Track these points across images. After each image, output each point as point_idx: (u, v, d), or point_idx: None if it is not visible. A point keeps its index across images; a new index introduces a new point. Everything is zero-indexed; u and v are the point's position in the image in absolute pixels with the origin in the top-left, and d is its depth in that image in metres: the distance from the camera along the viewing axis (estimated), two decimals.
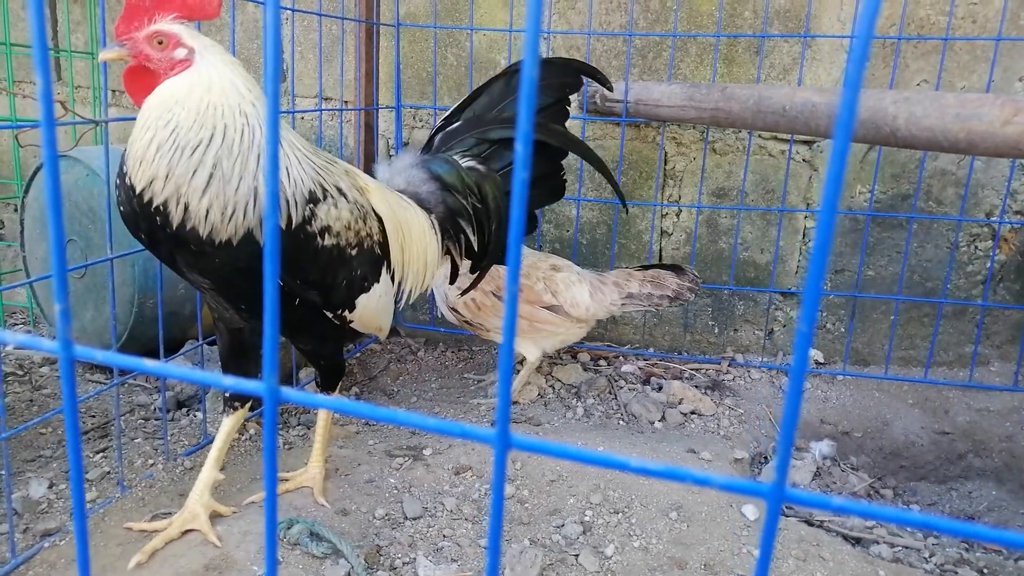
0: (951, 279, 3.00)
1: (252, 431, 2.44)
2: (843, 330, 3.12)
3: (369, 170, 2.19)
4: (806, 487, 2.49)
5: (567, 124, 3.11)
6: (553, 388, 2.90)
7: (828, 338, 3.16)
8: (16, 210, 3.16)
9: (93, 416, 2.51)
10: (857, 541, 2.17)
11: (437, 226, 2.12)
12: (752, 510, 2.08)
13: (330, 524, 1.89)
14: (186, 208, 1.53)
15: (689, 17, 2.95)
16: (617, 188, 2.45)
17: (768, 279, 3.11)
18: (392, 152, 3.28)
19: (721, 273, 3.14)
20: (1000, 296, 3.03)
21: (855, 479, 2.57)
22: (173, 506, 1.96)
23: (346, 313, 1.83)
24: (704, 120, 2.68)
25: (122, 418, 2.45)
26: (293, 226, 1.63)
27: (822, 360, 3.13)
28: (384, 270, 1.90)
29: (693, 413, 2.74)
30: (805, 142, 2.99)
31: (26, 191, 2.84)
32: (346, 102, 3.21)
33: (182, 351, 2.61)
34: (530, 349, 2.73)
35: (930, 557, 2.13)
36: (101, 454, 2.28)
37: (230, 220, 1.54)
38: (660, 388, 2.88)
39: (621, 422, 2.67)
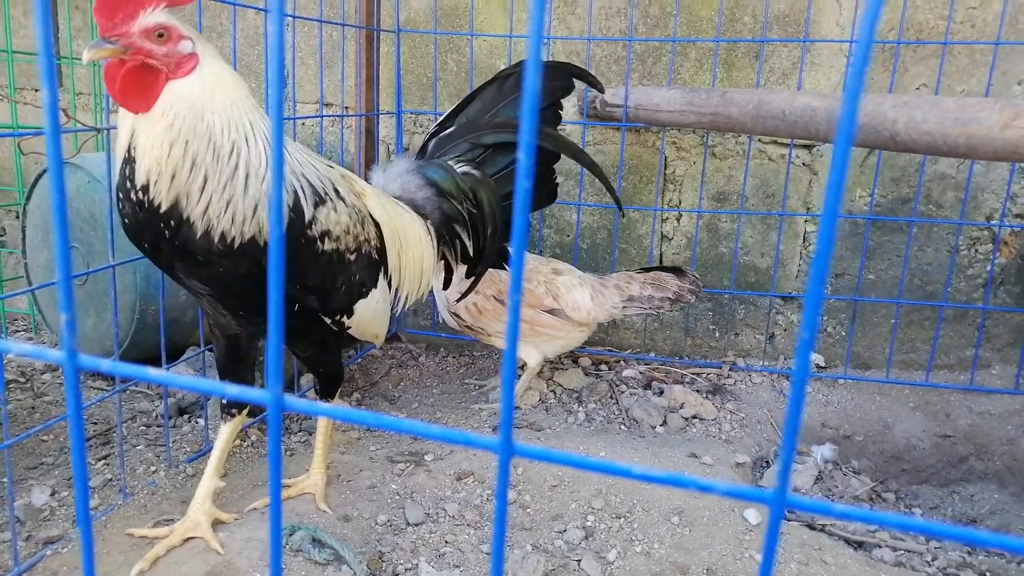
0: (951, 282, 3.00)
1: (254, 437, 2.44)
2: (844, 334, 3.12)
3: (365, 176, 2.20)
4: (808, 491, 2.49)
5: (567, 129, 3.12)
6: (554, 393, 2.90)
7: (829, 342, 3.16)
8: (18, 217, 3.17)
9: (95, 423, 2.51)
10: (859, 545, 2.17)
11: (433, 232, 2.13)
12: (754, 514, 2.08)
13: (332, 530, 1.89)
14: (208, 221, 1.49)
15: (688, 22, 2.96)
16: (612, 190, 2.46)
17: (769, 283, 3.11)
18: (393, 158, 3.29)
19: (722, 277, 3.15)
20: (1001, 299, 3.03)
21: (857, 483, 2.57)
22: (175, 513, 1.96)
23: (344, 319, 1.83)
24: (704, 125, 2.68)
25: (124, 425, 2.46)
26: (295, 228, 1.62)
27: (823, 364, 3.14)
28: (381, 276, 1.90)
29: (695, 417, 2.74)
30: (805, 146, 3.00)
31: (28, 198, 2.85)
32: (347, 108, 3.22)
33: (184, 358, 2.62)
34: (531, 354, 2.74)
35: (932, 561, 2.13)
36: (103, 461, 2.28)
37: (240, 227, 1.52)
38: (661, 393, 2.88)
39: (623, 427, 2.67)
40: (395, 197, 2.08)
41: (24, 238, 2.92)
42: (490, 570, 0.50)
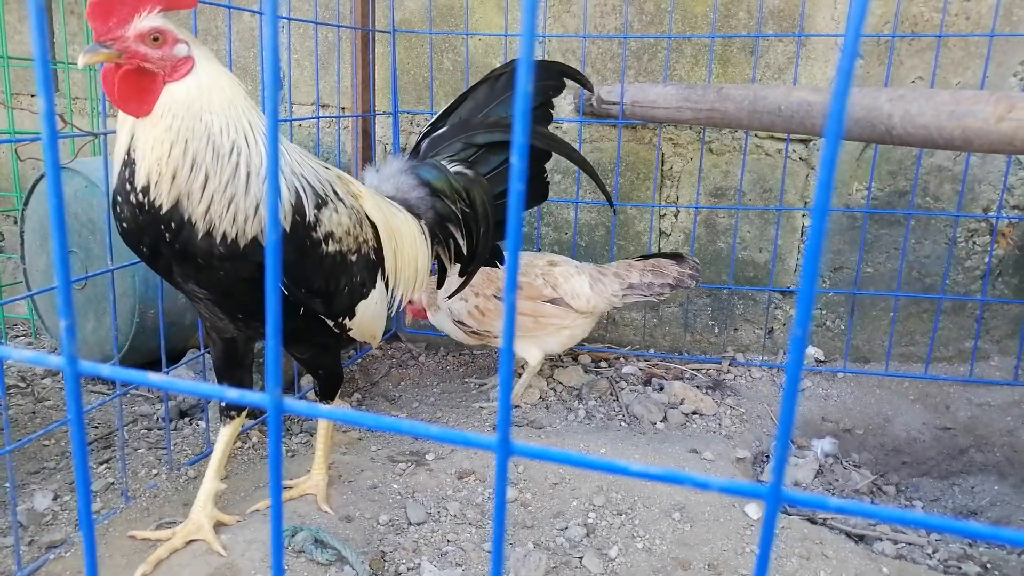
0: (949, 274, 3.01)
1: (255, 439, 2.44)
2: (843, 327, 3.13)
3: (359, 177, 2.21)
4: (808, 485, 2.49)
5: (564, 126, 3.12)
6: (554, 391, 2.91)
7: (828, 336, 3.16)
8: (16, 222, 3.17)
9: (96, 427, 2.51)
10: (860, 538, 2.17)
11: (427, 231, 2.14)
12: (755, 509, 2.08)
13: (334, 531, 1.89)
14: (210, 221, 1.49)
15: (683, 19, 2.96)
16: (603, 187, 2.47)
17: (767, 278, 3.12)
18: (387, 158, 3.29)
19: (720, 273, 3.15)
20: (999, 291, 3.03)
21: (857, 476, 2.57)
22: (177, 516, 1.96)
23: (346, 321, 1.84)
24: (700, 121, 2.68)
25: (125, 428, 2.46)
26: (300, 230, 1.62)
27: (822, 358, 3.14)
28: (379, 276, 1.90)
29: (695, 413, 2.74)
30: (801, 140, 3.00)
31: (26, 203, 2.85)
32: (343, 109, 3.22)
33: (183, 361, 2.62)
34: (532, 352, 2.74)
35: (933, 553, 2.13)
36: (104, 465, 2.28)
37: (243, 227, 1.52)
38: (661, 389, 2.88)
39: (623, 423, 2.68)
40: (389, 197, 2.08)
41: (22, 243, 2.92)
42: (491, 569, 0.51)
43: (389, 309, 2.03)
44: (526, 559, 1.85)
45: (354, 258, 1.77)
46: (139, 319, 2.65)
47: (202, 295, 1.65)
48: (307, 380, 2.85)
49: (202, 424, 2.48)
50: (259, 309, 1.66)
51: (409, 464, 2.25)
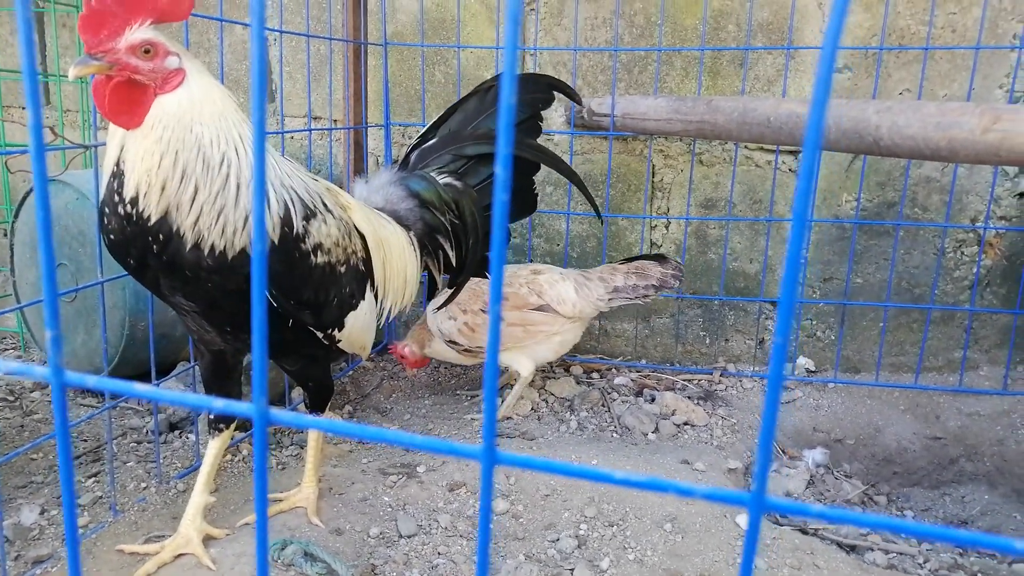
0: (938, 285, 3.03)
1: (245, 452, 2.43)
2: (833, 338, 3.14)
3: (348, 188, 2.21)
4: (800, 496, 2.50)
5: (555, 138, 3.14)
6: (546, 402, 2.91)
7: (818, 346, 3.18)
8: (6, 235, 3.16)
9: (85, 440, 2.49)
10: (852, 549, 2.17)
11: (416, 242, 2.15)
12: (746, 520, 2.08)
13: (324, 544, 1.88)
14: (198, 233, 1.49)
15: (673, 31, 2.98)
16: (591, 199, 2.48)
17: (758, 288, 3.13)
18: (376, 170, 3.30)
19: (711, 283, 3.16)
20: (987, 301, 3.05)
21: (849, 486, 2.58)
22: (167, 529, 1.95)
23: (335, 332, 1.83)
24: (690, 133, 2.70)
25: (114, 441, 2.45)
26: (289, 242, 1.62)
27: (813, 368, 3.15)
28: (368, 287, 1.91)
29: (686, 424, 2.74)
30: (791, 152, 3.02)
31: (16, 216, 2.84)
32: (335, 121, 3.23)
33: (174, 373, 2.61)
34: (524, 363, 2.74)
35: (924, 563, 2.13)
36: (93, 478, 2.27)
37: (231, 239, 1.52)
38: (653, 400, 2.88)
39: (615, 434, 2.68)
40: (378, 209, 2.09)
41: (12, 256, 2.91)
42: None
43: (379, 320, 2.03)
44: (517, 571, 1.84)
45: (343, 269, 1.77)
46: (129, 331, 2.64)
47: (189, 308, 1.64)
48: (298, 393, 2.84)
49: (192, 437, 2.46)
50: (247, 321, 1.66)
51: (400, 476, 2.24)
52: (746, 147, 3.03)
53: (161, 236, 1.49)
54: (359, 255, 1.85)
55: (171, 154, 1.46)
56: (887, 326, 3.07)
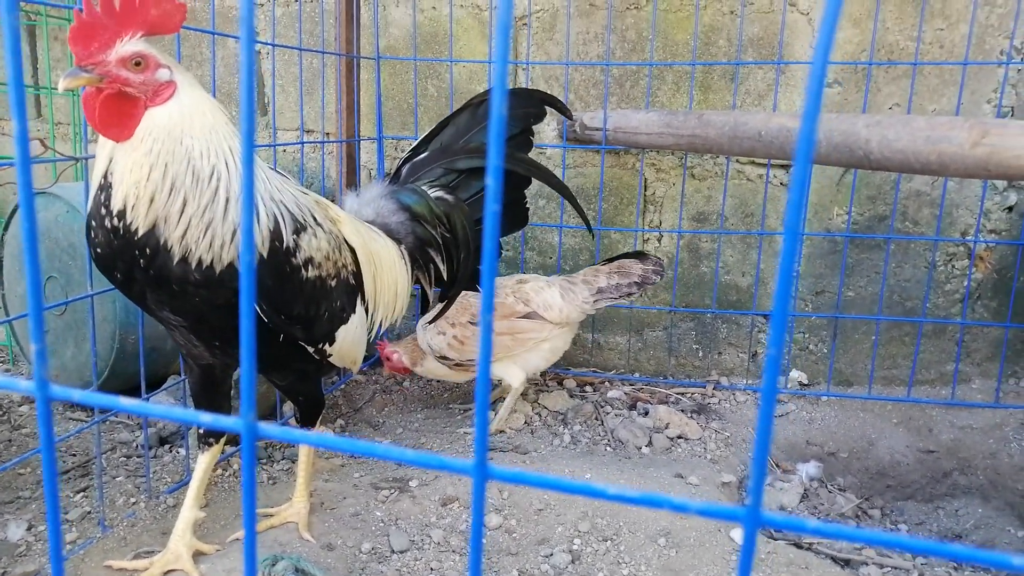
0: (930, 298, 3.04)
1: (236, 466, 2.41)
2: (826, 351, 3.14)
3: (339, 202, 2.21)
4: (794, 509, 2.49)
5: (548, 152, 3.15)
6: (539, 415, 2.89)
7: (811, 359, 3.18)
8: None
9: (74, 455, 2.47)
10: (847, 563, 2.16)
11: (407, 256, 2.14)
12: (741, 534, 2.07)
13: (316, 559, 1.86)
14: (186, 246, 1.47)
15: (665, 46, 3.00)
16: (582, 213, 2.49)
17: (750, 302, 3.13)
18: (367, 183, 3.30)
19: (704, 297, 3.17)
20: (978, 314, 3.06)
21: (843, 500, 2.57)
22: (156, 545, 1.92)
23: (326, 347, 1.82)
24: (682, 146, 2.71)
25: (103, 456, 2.42)
26: (278, 256, 1.61)
27: (806, 381, 3.15)
28: (359, 301, 1.90)
29: (680, 437, 2.74)
30: (783, 166, 3.04)
31: (5, 228, 2.83)
32: (328, 134, 3.23)
33: (164, 387, 2.59)
34: (514, 373, 2.73)
35: None
36: (82, 493, 2.24)
37: (219, 253, 1.51)
38: (646, 413, 2.88)
39: (608, 448, 2.67)
40: (369, 222, 2.08)
41: (1, 269, 2.89)
42: None
43: (369, 334, 2.02)
44: None
45: (333, 283, 1.76)
46: (119, 345, 2.62)
47: (177, 322, 1.63)
48: (290, 406, 2.82)
49: (183, 451, 2.44)
50: (236, 336, 1.64)
51: (392, 491, 2.23)
52: (738, 161, 3.04)
53: (148, 249, 1.48)
54: (350, 269, 1.84)
55: (160, 166, 1.45)
56: (879, 339, 3.08)
